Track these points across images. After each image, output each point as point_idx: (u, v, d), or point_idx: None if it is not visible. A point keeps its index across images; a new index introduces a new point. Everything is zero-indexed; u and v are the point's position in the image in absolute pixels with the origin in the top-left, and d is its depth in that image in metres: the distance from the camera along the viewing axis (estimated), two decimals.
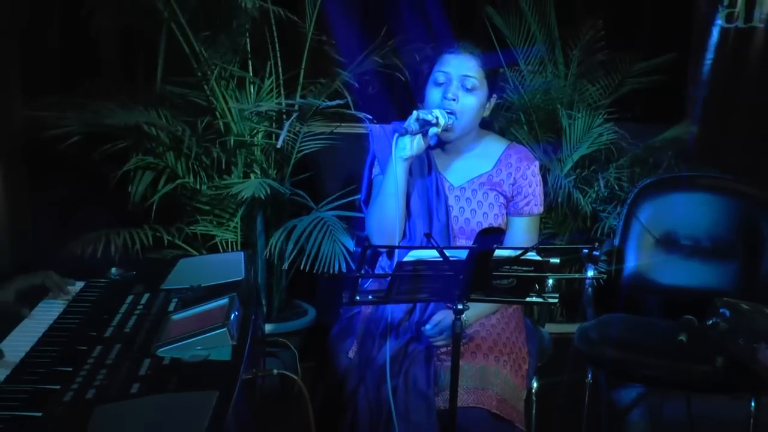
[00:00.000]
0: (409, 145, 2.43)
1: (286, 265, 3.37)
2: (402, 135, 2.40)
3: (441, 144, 2.60)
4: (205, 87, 3.43)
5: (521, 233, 2.62)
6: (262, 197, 3.23)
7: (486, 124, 2.67)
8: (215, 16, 3.35)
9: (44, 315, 1.92)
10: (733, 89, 4.17)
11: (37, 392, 1.46)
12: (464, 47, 2.53)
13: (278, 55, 3.48)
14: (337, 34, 3.51)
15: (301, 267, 3.16)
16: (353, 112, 3.31)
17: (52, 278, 2.06)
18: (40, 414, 1.37)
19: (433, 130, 2.41)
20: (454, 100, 2.47)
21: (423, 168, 2.61)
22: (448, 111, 2.45)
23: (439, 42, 2.87)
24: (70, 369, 1.55)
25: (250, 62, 3.51)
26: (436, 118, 2.41)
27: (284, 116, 3.45)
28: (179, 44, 3.33)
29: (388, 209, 2.49)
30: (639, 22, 4.25)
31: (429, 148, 2.56)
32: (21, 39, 3.62)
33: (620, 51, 3.94)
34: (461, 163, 2.63)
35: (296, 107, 3.35)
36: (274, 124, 3.50)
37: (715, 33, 4.14)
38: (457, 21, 4.04)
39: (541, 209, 2.65)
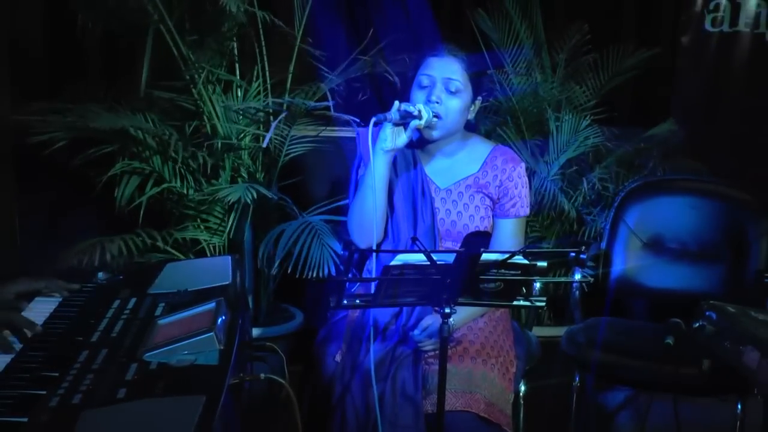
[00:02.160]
0: (390, 137, 2.42)
1: (275, 270, 3.36)
2: (380, 121, 2.39)
3: (426, 145, 2.60)
4: (193, 91, 3.42)
5: (508, 235, 2.61)
6: (249, 202, 3.23)
7: (471, 127, 2.67)
8: (202, 19, 3.34)
9: (33, 316, 1.91)
10: (718, 92, 4.20)
11: (24, 397, 1.45)
12: (448, 50, 2.53)
13: (265, 59, 3.47)
14: (325, 38, 3.51)
15: (289, 271, 3.16)
16: (340, 114, 3.31)
17: (54, 286, 2.06)
18: (26, 419, 1.36)
19: (414, 123, 2.40)
20: (438, 102, 2.47)
21: (408, 167, 2.61)
22: (434, 113, 2.46)
23: (424, 45, 2.86)
24: (57, 374, 1.54)
25: (237, 66, 3.51)
26: (419, 111, 2.40)
27: (271, 117, 3.45)
28: (167, 48, 3.32)
29: (367, 203, 2.47)
30: (625, 26, 4.26)
31: (413, 146, 2.57)
32: (9, 44, 3.61)
33: (606, 50, 3.96)
34: (447, 165, 2.63)
35: (284, 107, 3.34)
36: (261, 127, 3.49)
37: (701, 37, 4.17)
38: (445, 24, 4.05)
39: (528, 211, 2.65)
